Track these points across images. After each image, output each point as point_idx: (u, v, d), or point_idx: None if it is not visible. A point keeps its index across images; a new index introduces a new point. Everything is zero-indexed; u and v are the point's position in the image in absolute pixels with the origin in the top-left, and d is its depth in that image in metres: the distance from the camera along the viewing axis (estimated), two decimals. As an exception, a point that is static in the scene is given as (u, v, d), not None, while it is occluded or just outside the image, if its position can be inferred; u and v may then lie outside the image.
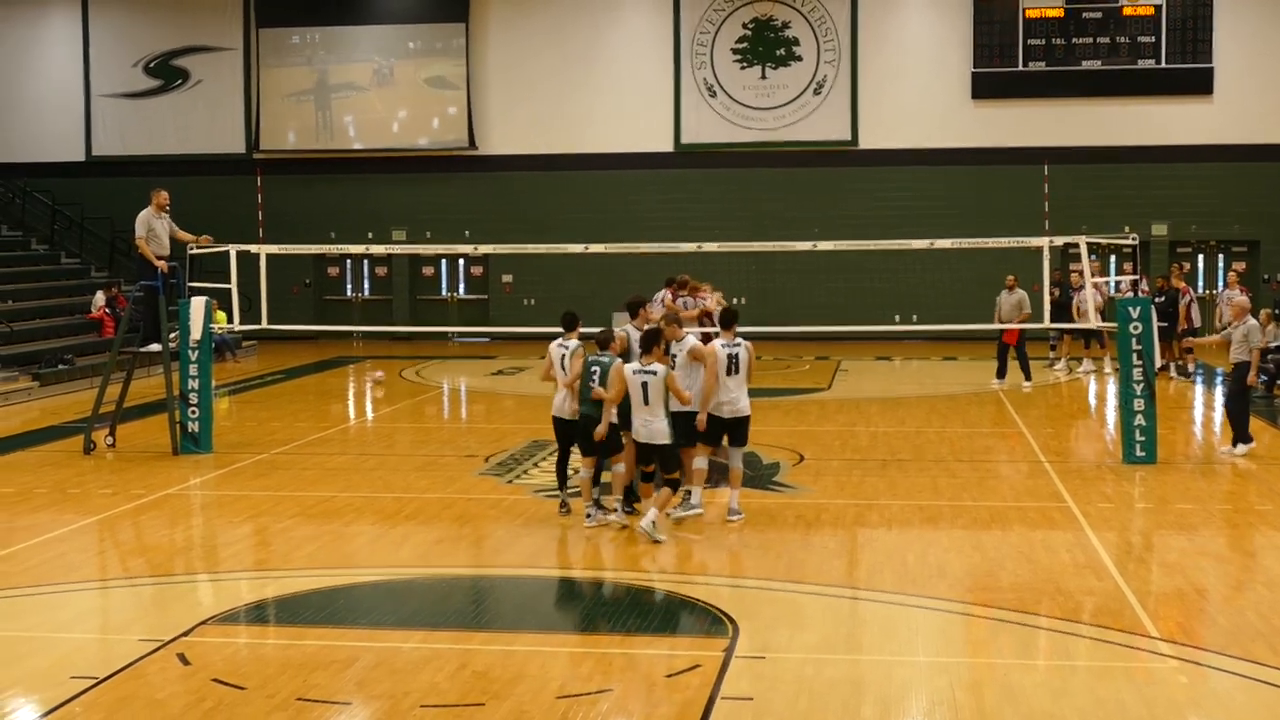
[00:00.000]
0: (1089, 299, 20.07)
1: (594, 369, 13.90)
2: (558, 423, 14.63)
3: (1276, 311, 26.49)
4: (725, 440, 14.45)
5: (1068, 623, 10.87)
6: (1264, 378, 24.85)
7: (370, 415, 22.11)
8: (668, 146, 36.61)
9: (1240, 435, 18.30)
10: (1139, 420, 17.52)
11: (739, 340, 14.42)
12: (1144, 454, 17.49)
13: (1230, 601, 11.42)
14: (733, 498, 14.57)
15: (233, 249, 20.18)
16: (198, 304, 19.09)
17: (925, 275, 31.80)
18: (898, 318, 31.31)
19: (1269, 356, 25.03)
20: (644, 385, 13.51)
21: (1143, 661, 9.96)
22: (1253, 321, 18.25)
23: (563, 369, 14.49)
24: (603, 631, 11.16)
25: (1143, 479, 16.77)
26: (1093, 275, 20.88)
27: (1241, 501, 15.42)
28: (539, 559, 13.30)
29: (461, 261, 38.41)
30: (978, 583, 12.15)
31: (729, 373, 14.21)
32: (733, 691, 9.23)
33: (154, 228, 19.32)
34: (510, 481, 16.97)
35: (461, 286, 38.68)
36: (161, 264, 19.22)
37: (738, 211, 35.50)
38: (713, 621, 10.84)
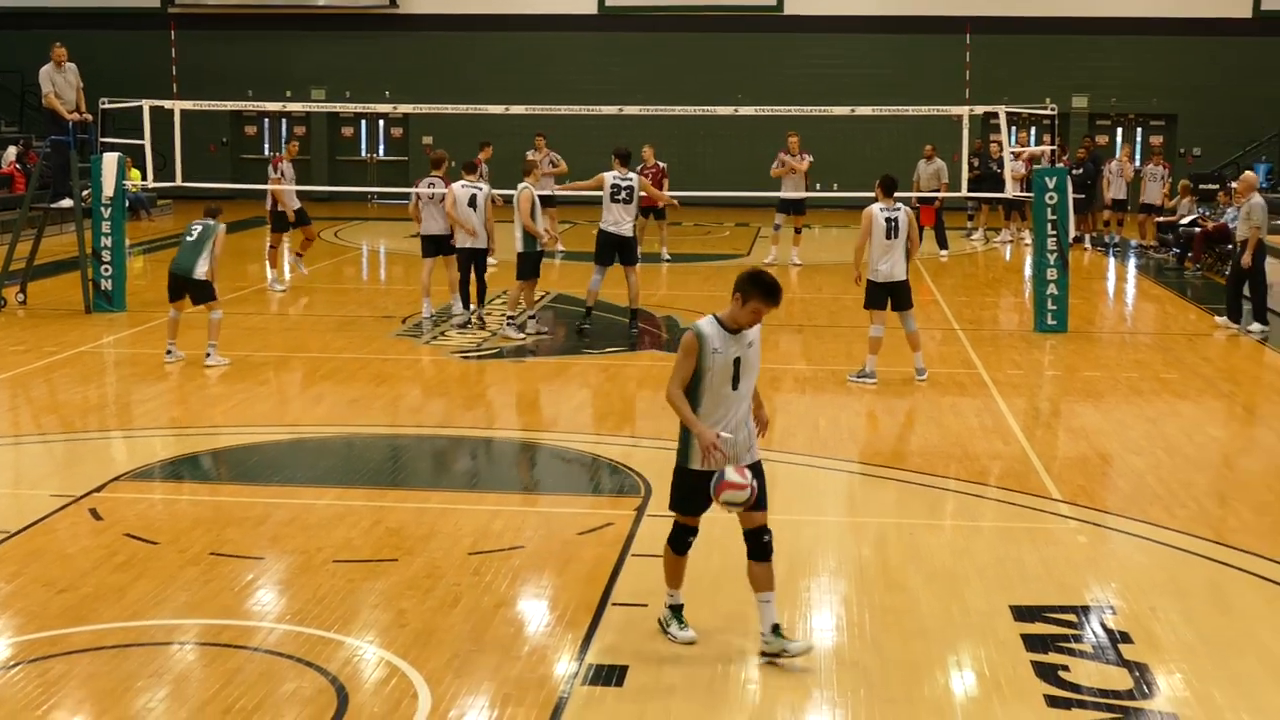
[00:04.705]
0: (1007, 168, 20.24)
1: (195, 226, 15.15)
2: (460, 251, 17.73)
3: (1192, 185, 26.76)
4: None
5: (974, 484, 11.11)
6: (1175, 250, 25.19)
7: (288, 276, 21.92)
8: (591, 9, 36.16)
9: (1232, 314, 18.38)
10: (1051, 289, 17.75)
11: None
12: (1055, 323, 17.74)
13: (1131, 466, 11.69)
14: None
15: (145, 104, 19.80)
16: (110, 160, 18.76)
17: (846, 144, 31.68)
18: (818, 185, 31.20)
19: (1180, 229, 25.33)
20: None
21: (1044, 522, 10.21)
22: (1257, 199, 17.97)
23: (469, 206, 17.52)
24: (516, 490, 11.26)
25: (1053, 347, 17.04)
26: (1020, 146, 20.99)
27: (1148, 370, 15.71)
28: (453, 419, 13.36)
29: (381, 122, 37.93)
30: (887, 446, 12.36)
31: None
32: (644, 549, 9.35)
33: (56, 82, 19.05)
34: (427, 343, 16.96)
35: (381, 148, 38.24)
36: (74, 115, 18.91)
37: (661, 77, 35.20)
38: (625, 481, 10.95)
